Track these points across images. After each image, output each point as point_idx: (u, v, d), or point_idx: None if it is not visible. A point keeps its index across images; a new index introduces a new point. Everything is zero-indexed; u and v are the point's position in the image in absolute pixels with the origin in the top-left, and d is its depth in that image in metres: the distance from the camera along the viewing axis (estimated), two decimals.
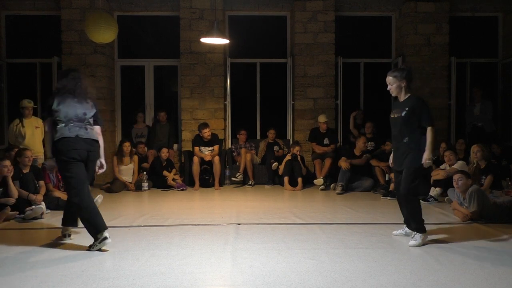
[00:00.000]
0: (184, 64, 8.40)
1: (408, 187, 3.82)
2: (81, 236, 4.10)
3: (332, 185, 7.22)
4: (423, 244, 3.72)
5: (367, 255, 3.42)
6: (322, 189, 7.16)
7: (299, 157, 7.45)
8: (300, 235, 4.10)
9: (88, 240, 3.71)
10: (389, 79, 3.93)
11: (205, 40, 7.21)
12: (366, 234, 4.12)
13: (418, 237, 3.76)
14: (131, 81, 9.07)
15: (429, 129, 3.77)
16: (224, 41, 7.27)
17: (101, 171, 3.92)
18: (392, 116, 3.99)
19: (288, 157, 7.44)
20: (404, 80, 3.87)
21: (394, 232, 4.11)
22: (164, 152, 7.47)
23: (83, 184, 3.69)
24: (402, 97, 3.92)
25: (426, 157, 3.73)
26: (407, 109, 3.82)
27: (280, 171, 7.45)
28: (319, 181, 7.24)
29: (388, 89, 3.96)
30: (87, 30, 6.47)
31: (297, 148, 7.48)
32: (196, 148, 7.57)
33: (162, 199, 6.40)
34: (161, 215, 5.09)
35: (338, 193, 6.75)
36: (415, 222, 3.84)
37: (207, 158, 7.45)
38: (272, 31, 9.05)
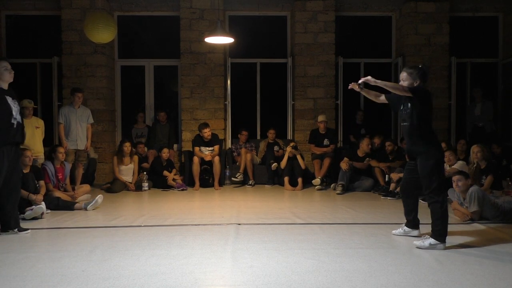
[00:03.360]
0: (184, 64, 8.41)
1: (425, 188, 3.71)
2: (81, 236, 4.11)
3: (332, 185, 7.23)
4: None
5: (367, 255, 3.41)
6: (318, 189, 7.16)
7: (298, 152, 7.48)
8: (300, 235, 4.10)
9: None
10: (403, 75, 3.78)
11: (209, 40, 7.18)
12: (366, 234, 4.12)
13: (427, 242, 3.61)
14: (131, 81, 9.07)
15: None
16: (229, 40, 7.22)
17: None
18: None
19: (288, 149, 7.43)
20: (418, 79, 3.72)
21: (394, 232, 4.10)
22: (165, 152, 7.47)
23: None
24: None
25: (370, 78, 3.63)
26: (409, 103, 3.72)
27: (283, 165, 7.42)
28: (316, 181, 7.24)
29: (400, 84, 3.80)
30: (85, 30, 6.47)
31: (292, 143, 7.57)
32: (196, 148, 7.58)
33: (162, 199, 6.40)
34: (161, 215, 5.08)
35: (338, 193, 6.75)
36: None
37: (207, 158, 7.45)
38: (272, 31, 9.05)
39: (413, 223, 3.99)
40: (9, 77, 4.14)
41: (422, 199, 5.99)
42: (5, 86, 4.12)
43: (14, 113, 4.07)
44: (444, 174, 3.81)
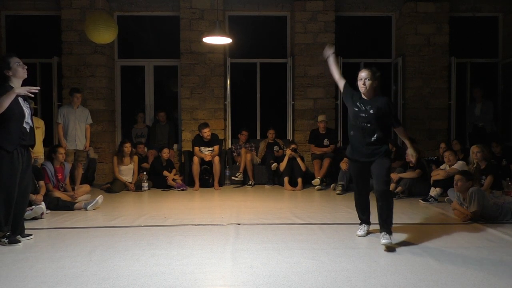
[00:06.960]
0: (184, 64, 8.41)
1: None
2: (81, 236, 4.11)
3: (332, 185, 7.23)
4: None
5: (367, 255, 3.41)
6: (318, 189, 7.16)
7: (297, 154, 7.47)
8: (300, 235, 4.10)
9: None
10: (367, 73, 3.98)
11: (207, 40, 7.19)
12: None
13: (390, 237, 3.69)
14: (131, 81, 9.07)
15: None
16: (227, 40, 7.23)
17: None
18: None
19: (288, 151, 7.44)
20: (376, 81, 3.96)
21: (358, 233, 4.12)
22: (166, 153, 7.47)
23: None
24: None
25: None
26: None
27: (282, 167, 7.43)
28: (316, 181, 7.24)
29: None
30: (86, 31, 6.48)
31: (293, 146, 7.52)
32: (196, 148, 7.58)
33: (162, 199, 6.40)
34: (161, 215, 5.08)
35: (338, 193, 6.75)
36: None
37: (207, 158, 7.45)
38: (272, 31, 9.06)
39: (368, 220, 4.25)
40: (22, 72, 3.87)
41: (422, 199, 6.03)
42: (17, 85, 3.85)
43: (26, 116, 3.83)
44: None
